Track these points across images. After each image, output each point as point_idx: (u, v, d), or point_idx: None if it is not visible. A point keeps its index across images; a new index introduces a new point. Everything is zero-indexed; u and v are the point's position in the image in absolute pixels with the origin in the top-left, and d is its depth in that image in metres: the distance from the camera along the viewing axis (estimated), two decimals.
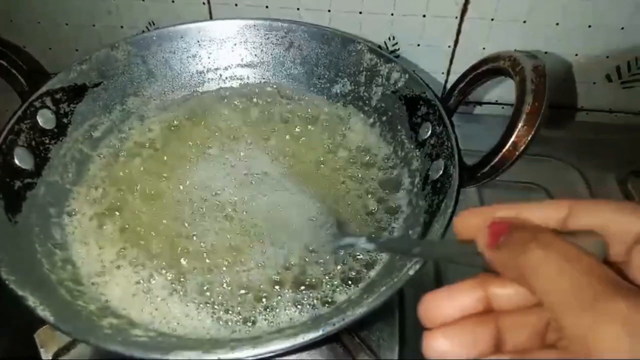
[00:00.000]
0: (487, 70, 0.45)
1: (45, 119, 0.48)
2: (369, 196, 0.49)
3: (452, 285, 0.25)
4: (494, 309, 0.24)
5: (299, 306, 0.42)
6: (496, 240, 0.23)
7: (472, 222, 0.26)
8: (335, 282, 0.43)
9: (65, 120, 0.50)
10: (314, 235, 0.46)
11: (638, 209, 0.22)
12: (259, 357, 0.34)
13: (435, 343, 0.24)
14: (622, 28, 0.59)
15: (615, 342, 0.17)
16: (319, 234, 0.46)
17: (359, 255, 0.45)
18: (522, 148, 0.38)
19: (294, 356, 0.45)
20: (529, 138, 0.38)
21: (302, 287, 0.43)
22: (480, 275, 0.25)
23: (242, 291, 0.42)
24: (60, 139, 0.50)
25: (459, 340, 0.24)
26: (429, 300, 0.25)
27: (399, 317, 0.48)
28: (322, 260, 0.44)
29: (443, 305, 0.25)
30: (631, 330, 0.17)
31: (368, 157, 0.53)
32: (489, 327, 0.24)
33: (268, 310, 0.41)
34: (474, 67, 0.46)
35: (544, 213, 0.24)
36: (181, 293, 0.42)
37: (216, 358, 0.33)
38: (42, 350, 0.44)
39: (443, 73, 0.66)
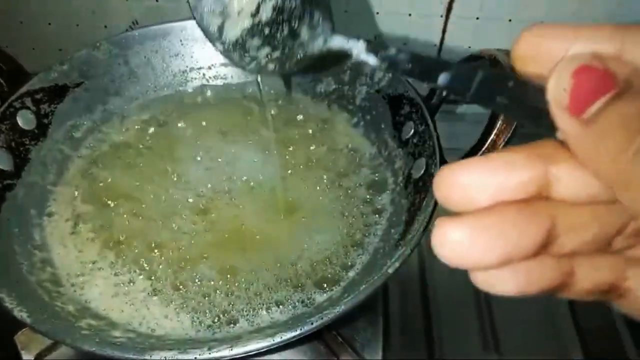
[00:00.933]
0: None
1: (25, 119, 0.48)
2: (354, 195, 0.49)
3: (494, 153, 0.17)
4: (550, 196, 0.17)
5: (280, 306, 0.41)
6: (585, 107, 0.15)
7: (543, 47, 0.17)
8: (317, 284, 0.43)
9: (45, 121, 0.50)
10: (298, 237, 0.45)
11: None
12: (238, 357, 0.34)
13: (453, 235, 0.16)
14: None
15: None
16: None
17: (338, 257, 0.45)
18: (501, 145, 0.38)
19: (276, 356, 0.45)
20: (507, 135, 0.38)
21: (284, 288, 0.42)
22: (541, 143, 0.17)
23: (223, 293, 0.42)
24: (41, 139, 0.49)
25: (493, 234, 0.16)
26: (455, 171, 0.17)
27: (383, 317, 0.48)
28: (302, 263, 0.44)
29: (479, 178, 0.16)
30: None
31: (352, 157, 0.53)
32: (541, 222, 0.16)
33: (249, 311, 0.41)
34: None
35: (598, 47, 0.16)
36: (160, 294, 0.42)
37: (193, 358, 0.33)
38: (23, 353, 0.44)
39: None
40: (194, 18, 0.35)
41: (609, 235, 0.17)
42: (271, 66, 0.35)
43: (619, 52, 0.16)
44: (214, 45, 0.36)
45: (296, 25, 0.33)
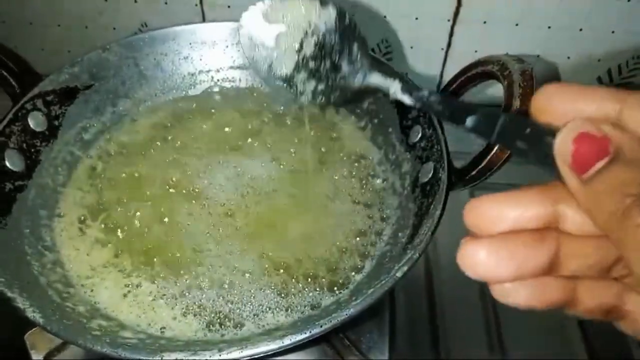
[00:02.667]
0: (476, 73, 0.45)
1: (36, 121, 0.48)
2: (361, 199, 0.49)
3: (514, 191, 0.21)
4: (557, 228, 0.20)
5: (288, 310, 0.42)
6: (585, 169, 0.18)
7: (554, 104, 0.20)
8: (325, 287, 0.43)
9: (56, 123, 0.50)
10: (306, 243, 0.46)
11: None
12: (247, 358, 0.34)
13: (476, 253, 0.20)
14: (613, 32, 0.59)
15: None
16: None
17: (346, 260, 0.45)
18: (509, 151, 0.38)
19: (283, 358, 0.45)
20: None
21: (292, 292, 0.43)
22: (553, 184, 0.20)
23: (231, 296, 0.43)
24: (51, 141, 0.50)
25: (508, 253, 0.20)
26: (483, 203, 0.21)
27: (390, 320, 0.48)
28: (309, 266, 0.44)
29: (500, 210, 0.20)
30: None
31: (359, 160, 0.53)
32: (548, 247, 0.20)
33: (256, 315, 0.41)
34: (463, 71, 0.46)
35: (600, 106, 0.19)
36: (169, 296, 0.42)
37: (204, 359, 0.33)
38: (32, 352, 0.45)
39: (436, 76, 0.67)
40: (249, 63, 0.39)
41: (608, 263, 0.20)
42: (318, 98, 0.39)
43: (619, 113, 0.19)
44: (267, 83, 0.40)
45: (337, 59, 0.37)
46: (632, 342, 0.47)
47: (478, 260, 0.20)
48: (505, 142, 0.22)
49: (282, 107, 0.57)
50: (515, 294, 0.21)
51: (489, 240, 0.20)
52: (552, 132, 0.19)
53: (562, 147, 0.19)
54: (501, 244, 0.20)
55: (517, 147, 0.21)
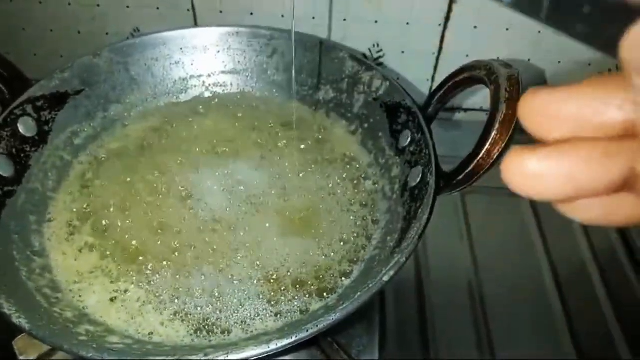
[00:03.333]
0: (464, 79, 0.45)
1: (26, 126, 0.49)
2: (350, 203, 0.50)
3: (586, 85, 0.16)
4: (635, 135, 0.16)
5: (277, 316, 0.42)
6: None
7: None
8: (313, 293, 0.43)
9: (46, 128, 0.50)
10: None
11: None
12: None
13: (526, 165, 0.16)
14: None
15: None
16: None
17: (335, 266, 0.45)
18: (495, 156, 0.39)
19: None
20: (502, 146, 0.38)
21: (279, 297, 0.43)
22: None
23: (219, 303, 0.42)
24: (41, 146, 0.50)
25: (566, 171, 0.16)
26: (543, 97, 0.16)
27: (380, 324, 0.48)
28: (297, 272, 0.44)
29: (562, 110, 0.16)
30: None
31: (349, 164, 0.53)
32: (618, 165, 0.15)
33: (244, 322, 0.41)
34: (452, 76, 0.47)
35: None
36: (157, 302, 0.42)
37: None
38: (21, 358, 0.44)
39: (428, 80, 0.67)
40: None
41: None
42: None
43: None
44: None
45: None
46: (620, 344, 0.47)
47: (529, 173, 0.16)
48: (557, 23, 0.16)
49: (273, 111, 0.57)
50: (588, 212, 0.17)
51: (543, 151, 0.16)
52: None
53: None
54: (558, 156, 0.16)
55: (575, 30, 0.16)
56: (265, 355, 0.34)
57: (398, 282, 0.53)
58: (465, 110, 0.70)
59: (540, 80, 0.65)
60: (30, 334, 0.35)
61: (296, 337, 0.34)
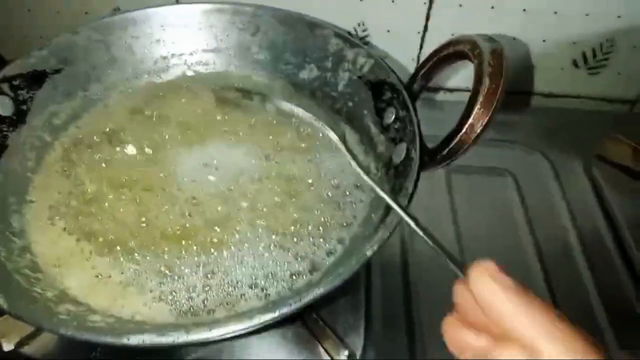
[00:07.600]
0: (448, 54, 0.45)
1: (2, 105, 0.47)
2: (336, 180, 0.49)
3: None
4: None
5: (260, 293, 0.42)
6: None
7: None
8: (299, 272, 0.43)
9: (24, 107, 0.49)
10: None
11: None
12: (218, 341, 0.34)
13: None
14: (587, 14, 0.60)
15: None
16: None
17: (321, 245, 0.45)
18: (479, 130, 0.38)
19: (259, 341, 0.45)
20: (485, 120, 0.38)
21: (264, 276, 0.42)
22: None
23: (201, 284, 0.42)
24: (19, 126, 0.49)
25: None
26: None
27: (365, 301, 0.49)
28: (282, 250, 0.44)
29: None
30: None
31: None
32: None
33: (228, 300, 0.41)
34: (436, 51, 0.46)
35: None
36: (139, 282, 0.42)
37: (171, 341, 0.33)
38: (2, 341, 0.44)
39: (413, 59, 0.66)
40: None
41: None
42: None
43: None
44: None
45: None
46: (610, 343, 0.47)
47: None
48: None
49: (257, 91, 0.56)
50: None
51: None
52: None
53: None
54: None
55: None
56: (250, 330, 0.34)
57: (384, 263, 0.53)
58: (451, 90, 0.70)
59: (532, 58, 0.65)
60: (9, 313, 0.35)
61: (279, 311, 0.34)
